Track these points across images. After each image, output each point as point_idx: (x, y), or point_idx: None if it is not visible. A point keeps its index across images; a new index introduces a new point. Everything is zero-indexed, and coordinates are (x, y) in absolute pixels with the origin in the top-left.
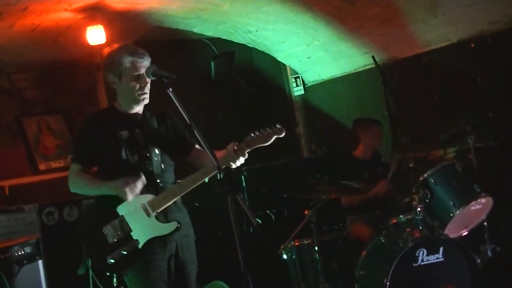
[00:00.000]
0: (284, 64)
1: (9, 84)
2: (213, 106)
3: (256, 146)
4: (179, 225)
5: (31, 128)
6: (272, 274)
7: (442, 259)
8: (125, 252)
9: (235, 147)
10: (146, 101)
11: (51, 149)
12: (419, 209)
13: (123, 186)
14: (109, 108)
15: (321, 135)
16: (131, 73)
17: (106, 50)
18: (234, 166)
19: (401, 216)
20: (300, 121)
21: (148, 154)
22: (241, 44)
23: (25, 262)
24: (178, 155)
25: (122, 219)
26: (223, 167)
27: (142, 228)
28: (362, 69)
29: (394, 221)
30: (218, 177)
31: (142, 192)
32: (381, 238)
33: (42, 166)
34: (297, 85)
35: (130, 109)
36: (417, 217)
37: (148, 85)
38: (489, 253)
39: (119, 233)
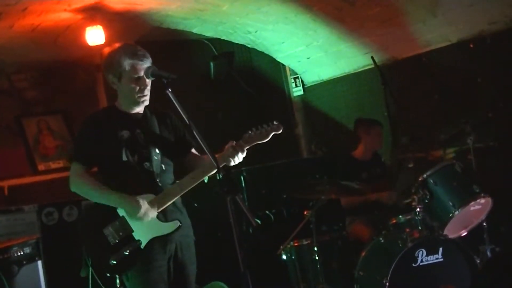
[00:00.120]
0: (283, 65)
1: (8, 85)
2: (212, 106)
3: (255, 143)
4: (180, 224)
5: (31, 128)
6: (272, 274)
7: (442, 259)
8: (127, 253)
9: (234, 144)
10: (146, 103)
11: (51, 150)
12: (418, 209)
13: (135, 211)
14: (109, 107)
15: (320, 136)
16: (131, 75)
17: (106, 50)
18: (233, 163)
19: (400, 216)
20: (299, 122)
21: (148, 154)
22: (241, 44)
23: (24, 262)
24: (177, 155)
25: (123, 220)
26: (222, 165)
27: (144, 228)
28: (361, 69)
29: (394, 221)
30: (217, 178)
31: (142, 192)
32: (381, 239)
33: (41, 167)
34: (296, 86)
35: (131, 109)
36: (416, 218)
37: (148, 87)
38: (488, 253)
39: (121, 233)
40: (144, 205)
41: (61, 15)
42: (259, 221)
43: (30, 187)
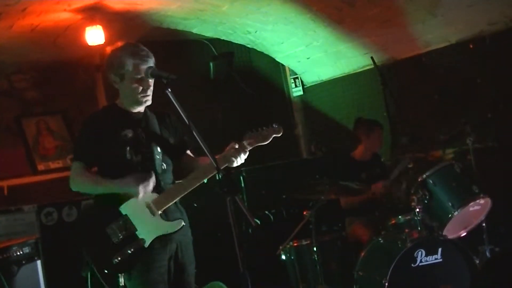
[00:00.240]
0: (283, 65)
1: (8, 85)
2: (212, 106)
3: (256, 145)
4: (184, 224)
5: (30, 128)
6: (271, 274)
7: (441, 259)
8: (130, 251)
9: (237, 145)
10: (149, 103)
11: (50, 150)
12: (418, 209)
13: (137, 183)
14: (110, 106)
15: (320, 136)
16: (134, 76)
17: (109, 49)
18: (236, 163)
19: (400, 217)
20: (299, 122)
21: (150, 154)
22: (240, 44)
23: (23, 262)
24: (177, 155)
25: (126, 219)
26: (224, 166)
27: (147, 227)
28: (361, 69)
29: (393, 221)
30: (217, 178)
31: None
32: (380, 239)
33: (41, 167)
34: (296, 86)
35: (132, 108)
36: (416, 218)
37: (151, 87)
38: (487, 253)
39: (124, 232)
40: (140, 187)
41: (61, 15)
42: (258, 221)
43: (29, 187)
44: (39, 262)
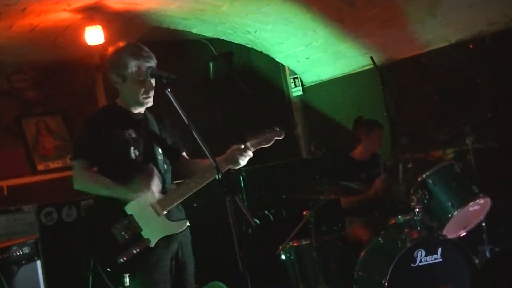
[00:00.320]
0: (282, 65)
1: (8, 85)
2: (211, 106)
3: (258, 147)
4: (189, 224)
5: (30, 128)
6: (271, 274)
7: (441, 259)
8: (135, 252)
9: (242, 146)
10: (150, 104)
11: (50, 150)
12: (417, 209)
13: (147, 187)
14: (111, 105)
15: (320, 136)
16: (137, 78)
17: (111, 49)
18: (242, 164)
19: (399, 216)
20: (298, 122)
21: (153, 154)
22: (240, 44)
23: (23, 262)
24: (174, 157)
25: (131, 219)
26: (227, 168)
27: (153, 227)
28: (361, 69)
29: (393, 221)
30: (217, 178)
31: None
32: (380, 239)
33: (40, 167)
34: (295, 86)
35: (133, 108)
36: (415, 218)
37: (153, 89)
38: (487, 253)
39: (129, 232)
40: (144, 183)
41: (61, 15)
42: (258, 221)
43: (29, 187)
44: (38, 262)
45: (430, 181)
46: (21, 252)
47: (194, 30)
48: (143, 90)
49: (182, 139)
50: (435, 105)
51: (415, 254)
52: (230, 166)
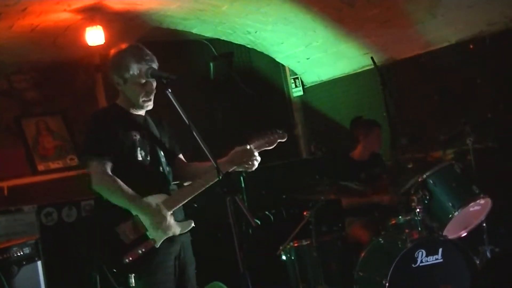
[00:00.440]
0: (283, 65)
1: (8, 85)
2: (212, 107)
3: (261, 150)
4: (194, 225)
5: (30, 129)
6: (271, 275)
7: (441, 260)
8: (141, 252)
9: (247, 147)
10: (150, 107)
11: (50, 150)
12: (418, 210)
13: (159, 224)
14: (111, 106)
15: (320, 136)
16: (138, 80)
17: (113, 50)
18: (253, 168)
19: (400, 217)
20: (299, 122)
21: (157, 156)
22: (240, 45)
23: (24, 263)
24: (172, 159)
25: (137, 219)
26: (232, 169)
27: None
28: (361, 70)
29: (393, 222)
30: (217, 178)
31: (154, 192)
32: (380, 239)
33: (41, 167)
34: (296, 86)
35: (134, 110)
36: (416, 218)
37: (154, 92)
38: (488, 254)
39: (134, 233)
40: (169, 217)
41: (61, 16)
42: (258, 222)
43: (29, 187)
44: (39, 263)
45: (431, 182)
46: (21, 253)
47: (194, 30)
48: (144, 92)
49: (182, 140)
50: (435, 105)
51: (415, 254)
52: (235, 169)
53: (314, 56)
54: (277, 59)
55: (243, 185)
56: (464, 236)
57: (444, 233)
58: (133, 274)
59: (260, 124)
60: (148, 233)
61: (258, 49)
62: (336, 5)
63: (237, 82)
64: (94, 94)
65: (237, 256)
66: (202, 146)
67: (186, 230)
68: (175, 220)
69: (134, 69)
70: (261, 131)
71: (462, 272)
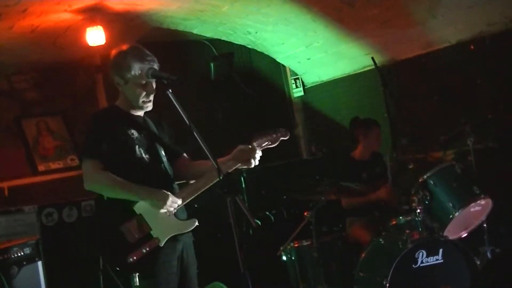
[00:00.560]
0: (283, 66)
1: (8, 85)
2: (212, 107)
3: (264, 148)
4: (197, 224)
5: (30, 129)
6: (272, 275)
7: (442, 260)
8: (145, 251)
9: (249, 146)
10: (149, 108)
11: (50, 150)
12: (418, 210)
13: (164, 199)
14: (111, 107)
15: (320, 137)
16: (139, 81)
17: (114, 51)
18: (254, 164)
19: (400, 217)
20: (299, 123)
21: (157, 155)
22: (241, 45)
23: (24, 263)
24: (175, 158)
25: (141, 218)
26: (235, 167)
27: (162, 226)
28: (361, 70)
29: (394, 222)
30: (218, 179)
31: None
32: (381, 240)
33: (41, 167)
34: (296, 87)
35: (133, 111)
36: (416, 219)
37: (153, 92)
38: (488, 254)
39: (138, 232)
40: (170, 195)
41: (61, 16)
42: (259, 222)
43: (30, 187)
44: (39, 263)
45: (431, 182)
46: (22, 253)
47: (194, 31)
48: (144, 93)
49: (182, 140)
50: (435, 106)
51: (416, 255)
52: (239, 166)
53: (315, 57)
54: (278, 60)
55: (243, 185)
56: (464, 237)
57: (445, 233)
58: (137, 274)
59: (261, 124)
60: (152, 232)
61: (259, 50)
62: (336, 5)
63: (237, 82)
64: (95, 94)
65: (237, 256)
66: (203, 146)
67: (191, 229)
68: (178, 219)
69: (136, 70)
70: (265, 130)
71: (463, 272)
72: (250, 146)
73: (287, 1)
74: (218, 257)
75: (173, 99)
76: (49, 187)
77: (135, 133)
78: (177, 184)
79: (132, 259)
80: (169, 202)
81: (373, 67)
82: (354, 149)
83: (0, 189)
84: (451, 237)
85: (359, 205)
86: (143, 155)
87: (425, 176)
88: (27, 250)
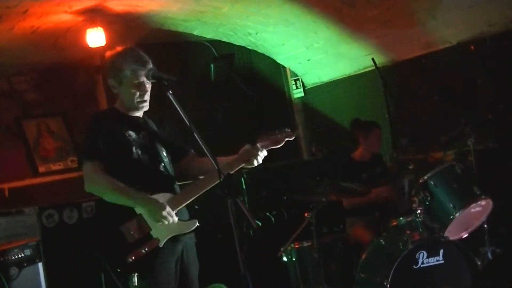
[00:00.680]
0: (283, 66)
1: (9, 87)
2: (212, 108)
3: (269, 148)
4: (198, 224)
5: (31, 130)
6: (272, 276)
7: (442, 261)
8: (145, 251)
9: (253, 146)
10: (146, 108)
11: (50, 152)
12: (419, 211)
13: (160, 209)
14: (110, 109)
15: (321, 137)
16: (132, 81)
17: (108, 53)
18: (257, 163)
19: (401, 218)
20: (300, 124)
21: (157, 155)
22: (241, 46)
23: (25, 264)
24: (178, 158)
25: (141, 218)
26: (239, 167)
27: (162, 226)
28: (362, 71)
29: (394, 223)
30: (219, 180)
31: (156, 191)
32: (381, 241)
33: (42, 169)
34: (297, 88)
35: (131, 112)
36: (417, 219)
37: (148, 92)
38: (489, 255)
39: (138, 232)
40: (167, 207)
41: (62, 17)
42: (259, 223)
43: (30, 189)
44: (40, 265)
45: (432, 183)
46: (22, 254)
47: (195, 32)
48: (138, 93)
49: (182, 141)
50: (436, 106)
51: (417, 255)
52: (244, 166)
53: (315, 57)
54: (278, 61)
55: (244, 186)
56: (465, 237)
57: (445, 234)
58: (136, 274)
59: (261, 125)
60: (152, 232)
61: (259, 51)
62: (336, 6)
63: (237, 83)
64: (95, 95)
65: (238, 257)
66: (203, 147)
67: (191, 229)
68: (180, 219)
69: (128, 70)
70: (270, 130)
71: (463, 273)
72: (255, 146)
73: (288, 2)
74: (218, 257)
75: (173, 100)
76: (50, 188)
77: (132, 134)
78: (179, 184)
79: (131, 259)
80: (164, 213)
81: (374, 68)
82: (355, 150)
83: (0, 190)
84: (451, 238)
85: (360, 205)
86: (141, 156)
87: (425, 177)
88: (28, 252)
